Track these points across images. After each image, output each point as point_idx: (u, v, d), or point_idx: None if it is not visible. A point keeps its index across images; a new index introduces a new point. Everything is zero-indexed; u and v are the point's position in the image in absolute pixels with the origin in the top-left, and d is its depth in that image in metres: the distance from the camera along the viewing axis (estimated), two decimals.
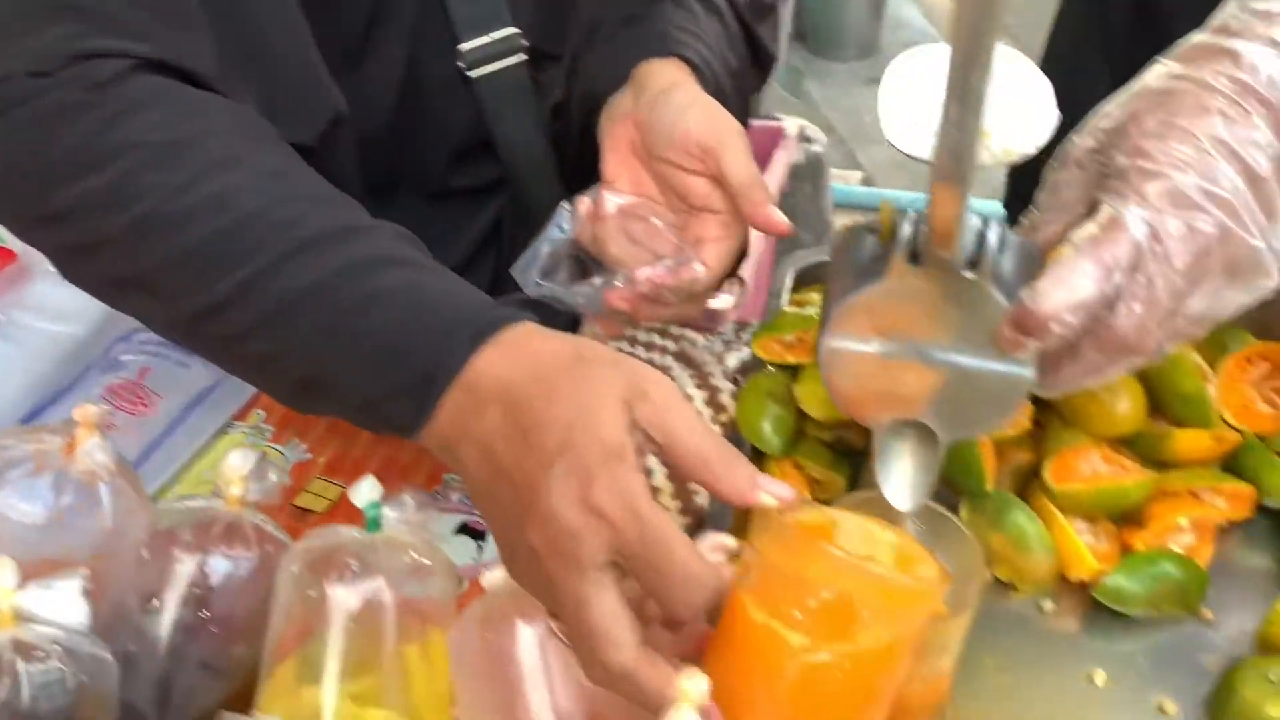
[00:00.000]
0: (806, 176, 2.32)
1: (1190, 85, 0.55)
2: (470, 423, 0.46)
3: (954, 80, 0.44)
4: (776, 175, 2.09)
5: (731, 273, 0.71)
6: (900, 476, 0.58)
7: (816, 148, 2.32)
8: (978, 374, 0.55)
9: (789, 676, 0.44)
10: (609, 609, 0.43)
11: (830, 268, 0.59)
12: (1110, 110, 0.57)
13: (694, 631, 0.46)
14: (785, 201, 2.31)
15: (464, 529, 0.73)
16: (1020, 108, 0.58)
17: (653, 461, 0.73)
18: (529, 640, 0.50)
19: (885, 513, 0.59)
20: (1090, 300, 0.52)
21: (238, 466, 0.57)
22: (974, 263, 0.53)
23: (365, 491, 0.55)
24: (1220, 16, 0.57)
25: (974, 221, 0.53)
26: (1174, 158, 0.53)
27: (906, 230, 0.53)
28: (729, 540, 0.52)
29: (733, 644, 0.45)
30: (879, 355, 0.56)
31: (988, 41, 0.42)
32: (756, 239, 2.01)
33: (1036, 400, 0.72)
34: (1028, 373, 0.54)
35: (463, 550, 0.72)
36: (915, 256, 0.53)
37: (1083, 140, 0.58)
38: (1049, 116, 0.58)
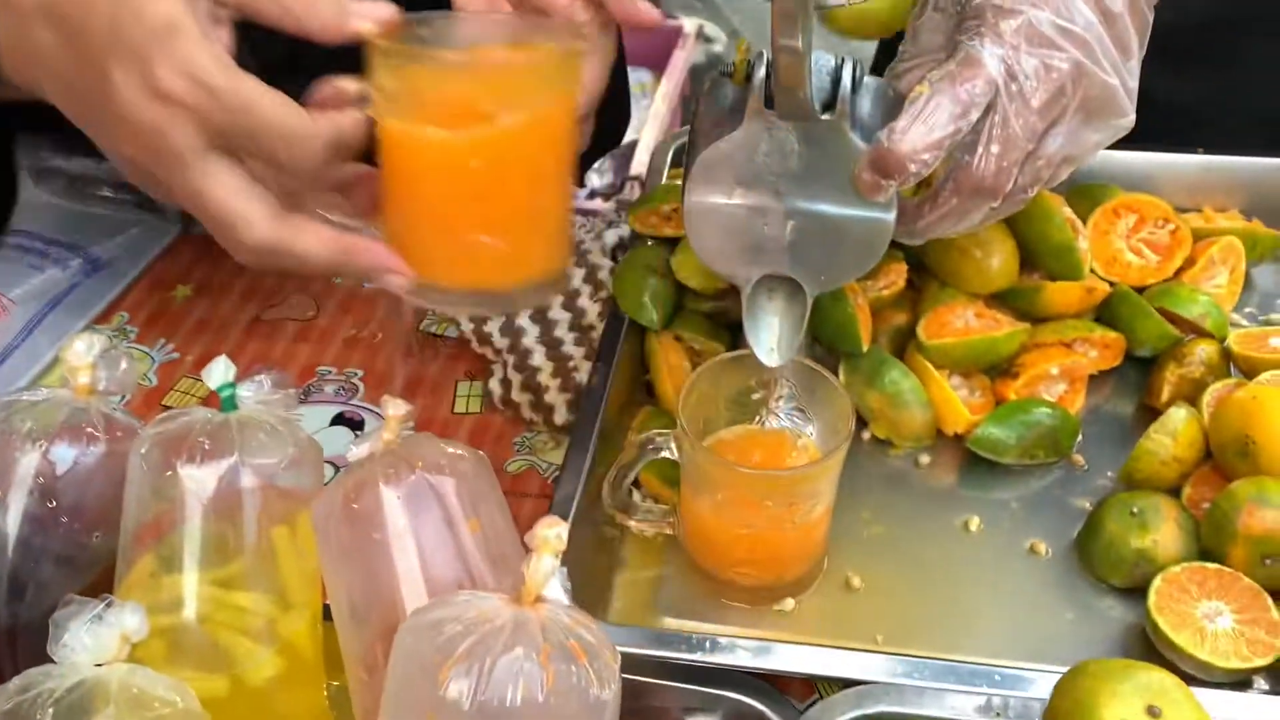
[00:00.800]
0: (706, 76, 2.30)
1: None
2: (28, 49, 0.44)
3: None
4: (676, 75, 2.06)
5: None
6: (769, 333, 0.58)
7: (716, 47, 2.30)
8: (839, 221, 0.54)
9: (445, 168, 0.48)
10: (226, 191, 0.42)
11: (693, 121, 0.57)
12: None
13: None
14: (686, 104, 2.28)
15: (339, 420, 0.72)
16: None
17: (530, 340, 0.72)
18: (393, 504, 0.49)
19: (758, 372, 0.59)
20: (946, 138, 0.51)
21: (81, 353, 0.54)
22: (829, 105, 0.52)
23: (219, 372, 0.53)
24: None
25: (828, 62, 0.52)
26: None
27: (760, 73, 0.52)
28: (349, 84, 0.49)
29: (392, 172, 0.48)
30: (741, 207, 0.55)
31: None
32: (654, 141, 1.96)
33: (913, 263, 0.73)
34: (889, 217, 0.54)
35: (338, 440, 0.70)
36: (772, 101, 0.52)
37: None
38: None
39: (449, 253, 0.51)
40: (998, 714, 0.47)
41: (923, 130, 0.50)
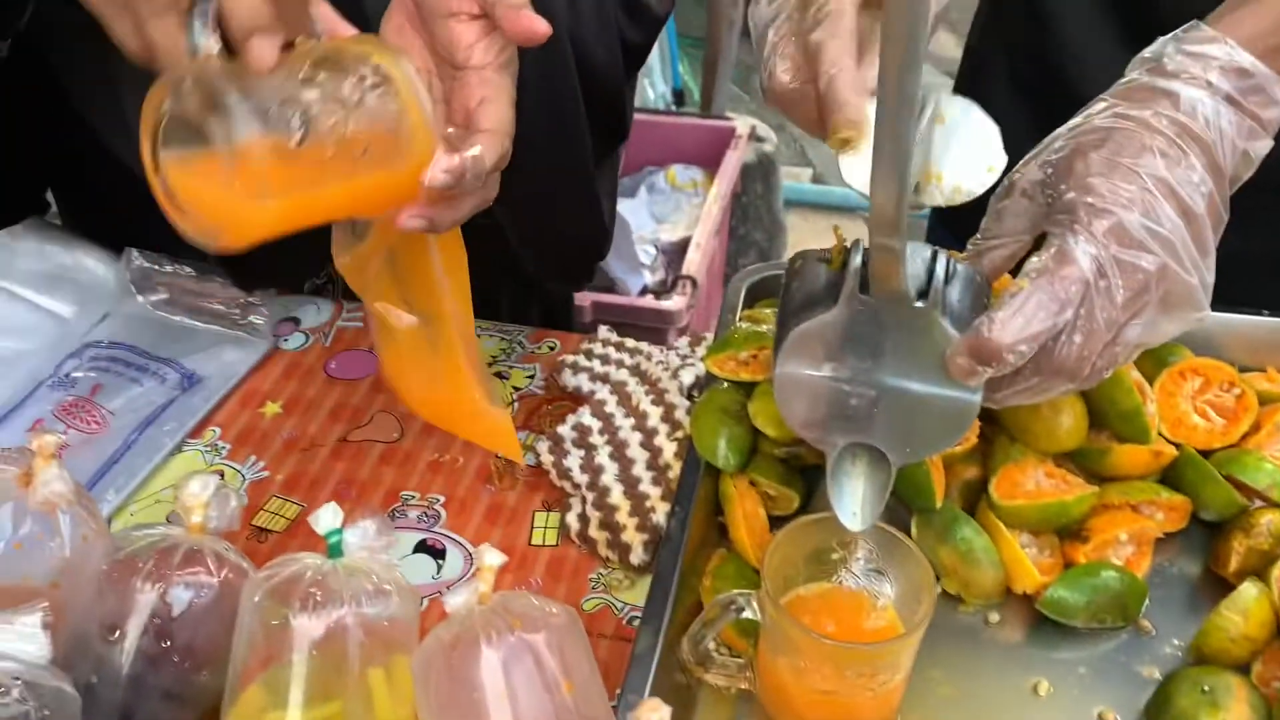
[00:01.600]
0: (757, 175, 2.35)
1: (1133, 125, 0.57)
2: None
3: (882, 128, 0.45)
4: (728, 174, 2.11)
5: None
6: (852, 498, 0.60)
7: (767, 146, 2.35)
8: (927, 399, 0.57)
9: None
10: None
11: (783, 295, 0.60)
12: (1057, 144, 0.59)
13: None
14: (738, 201, 2.33)
15: (421, 546, 0.74)
16: (969, 148, 0.59)
17: (608, 477, 0.74)
18: (492, 663, 0.51)
19: (839, 534, 0.61)
20: (1044, 332, 0.54)
21: (197, 494, 0.57)
22: (923, 293, 0.54)
23: (326, 519, 0.56)
24: (1153, 51, 0.60)
25: (924, 252, 0.54)
26: (1119, 196, 0.55)
27: (857, 261, 0.54)
28: None
29: None
30: (831, 380, 0.58)
31: (912, 85, 0.43)
32: (706, 240, 2.01)
33: (984, 416, 0.74)
34: (976, 398, 0.56)
35: (421, 569, 0.72)
36: (866, 285, 0.55)
37: (1030, 171, 0.60)
38: (998, 158, 0.60)
39: None
40: None
41: (1021, 323, 0.53)
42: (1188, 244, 0.56)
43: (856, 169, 0.56)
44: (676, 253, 2.00)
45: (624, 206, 2.12)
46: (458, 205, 0.61)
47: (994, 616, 0.69)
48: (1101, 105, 0.58)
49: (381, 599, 0.55)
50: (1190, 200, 0.56)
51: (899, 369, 0.56)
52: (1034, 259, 0.56)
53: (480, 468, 0.79)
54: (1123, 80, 0.59)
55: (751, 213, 2.37)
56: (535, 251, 0.90)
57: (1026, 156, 0.61)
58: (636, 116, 2.36)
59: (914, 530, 0.70)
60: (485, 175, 0.59)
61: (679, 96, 2.94)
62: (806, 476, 0.73)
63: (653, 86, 2.77)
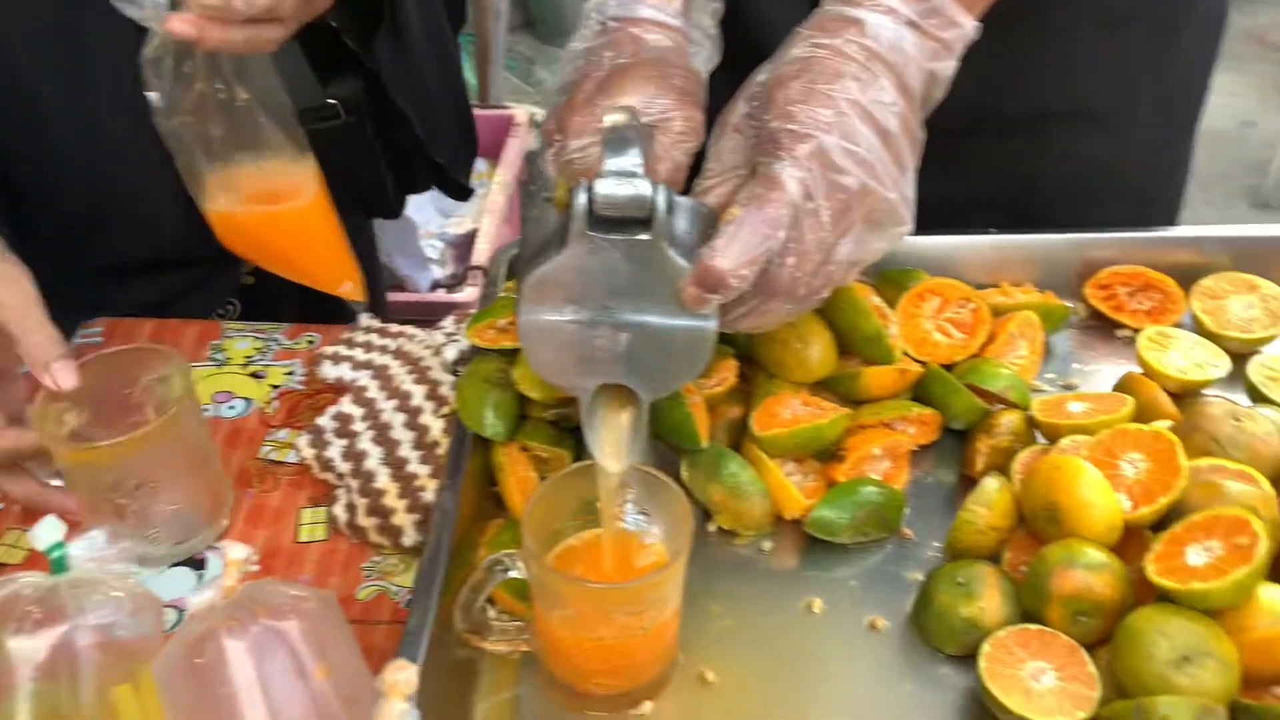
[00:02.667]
0: (533, 206, 2.34)
1: (826, 53, 0.59)
2: None
3: None
4: (511, 162, 2.10)
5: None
6: (609, 440, 0.60)
7: None
8: (667, 332, 0.57)
9: None
10: None
11: (521, 244, 0.60)
12: (760, 78, 0.61)
13: None
14: (526, 189, 2.32)
15: (180, 560, 0.69)
16: None
17: (373, 462, 0.72)
18: (238, 654, 0.49)
19: (599, 477, 0.61)
20: (761, 255, 0.55)
21: None
22: (647, 225, 0.55)
23: (45, 533, 0.51)
24: None
25: (642, 188, 0.55)
26: (818, 120, 0.57)
27: (581, 199, 0.54)
28: None
29: None
30: (573, 323, 0.57)
31: None
32: (495, 229, 2.00)
33: (742, 357, 0.76)
34: (711, 325, 0.57)
35: (181, 582, 0.68)
36: (594, 223, 0.55)
37: (738, 107, 0.62)
38: None
39: None
40: None
41: (739, 249, 0.54)
42: (886, 162, 0.58)
43: None
44: (466, 245, 1.98)
45: (408, 206, 2.08)
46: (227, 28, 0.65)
47: (767, 545, 0.70)
48: (797, 36, 0.61)
49: (115, 610, 0.51)
50: (884, 121, 0.58)
51: (636, 305, 0.57)
52: (747, 188, 0.57)
53: (240, 472, 0.75)
54: (816, 11, 0.62)
55: (540, 199, 2.36)
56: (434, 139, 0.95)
57: (735, 94, 0.62)
58: None
59: (684, 472, 0.71)
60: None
61: None
62: (577, 436, 0.73)
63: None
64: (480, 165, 2.24)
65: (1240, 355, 0.79)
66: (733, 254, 0.54)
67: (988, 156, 0.89)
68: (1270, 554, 0.59)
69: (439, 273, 1.92)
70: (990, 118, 0.87)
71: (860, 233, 0.58)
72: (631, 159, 0.54)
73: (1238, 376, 0.77)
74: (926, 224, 0.86)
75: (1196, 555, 0.59)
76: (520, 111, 2.28)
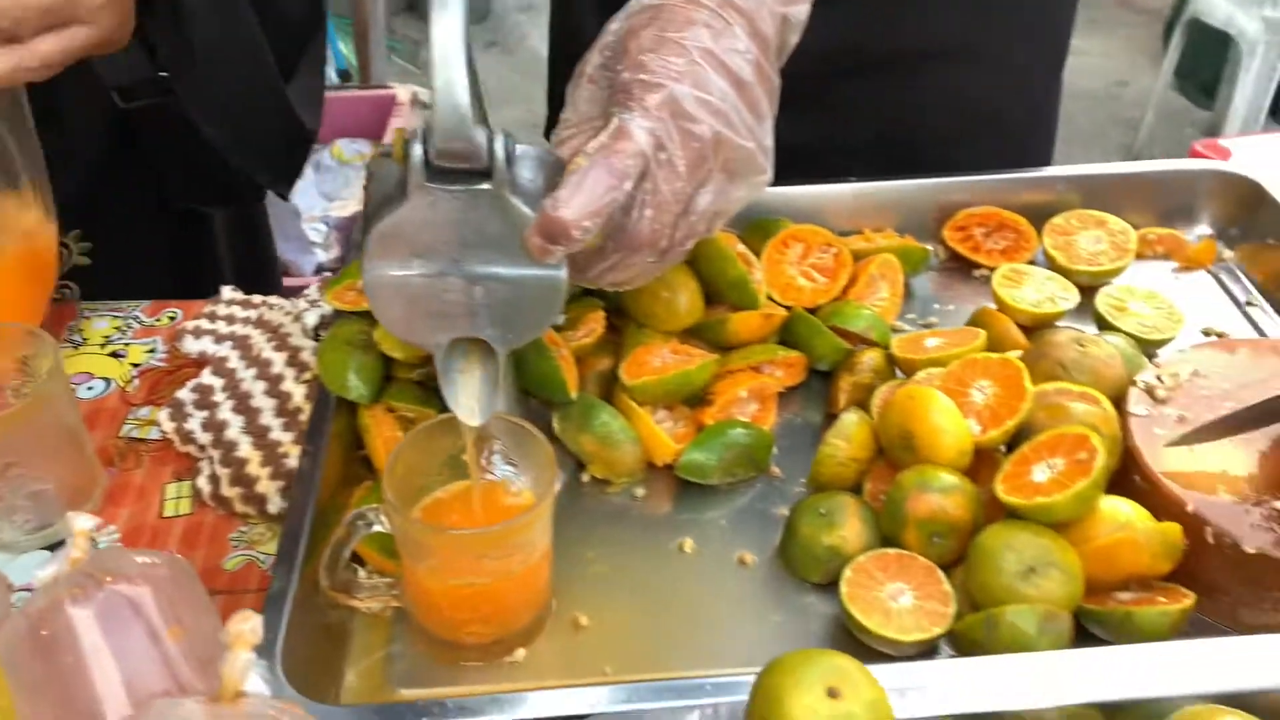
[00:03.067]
0: (371, 159, 2.31)
1: (678, 1, 0.59)
2: None
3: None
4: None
5: None
6: (466, 394, 0.60)
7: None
8: (515, 281, 0.57)
9: None
10: None
11: (365, 200, 0.59)
12: (613, 27, 0.61)
13: None
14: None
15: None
16: None
17: (234, 431, 0.71)
18: (85, 624, 0.47)
19: (462, 430, 0.61)
20: (605, 206, 0.54)
21: None
22: (487, 175, 0.55)
23: None
24: None
25: (480, 136, 0.55)
26: (670, 69, 0.57)
27: (417, 151, 0.54)
28: None
29: None
30: (420, 276, 0.57)
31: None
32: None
33: (612, 309, 0.77)
34: (561, 274, 0.57)
35: (35, 566, 0.66)
36: (433, 175, 0.54)
37: (593, 58, 0.61)
38: None
39: None
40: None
41: (582, 199, 0.54)
42: (740, 111, 0.58)
43: None
44: (349, 228, 1.94)
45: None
46: None
47: (640, 491, 0.71)
48: None
49: None
50: (738, 69, 0.58)
51: (484, 256, 0.57)
52: (596, 138, 0.57)
53: (101, 452, 0.73)
54: None
55: (379, 154, 2.33)
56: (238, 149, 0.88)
57: (591, 44, 0.62)
58: None
59: (555, 424, 0.71)
60: None
61: (344, 76, 2.85)
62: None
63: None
64: (363, 146, 2.20)
65: (1091, 288, 0.83)
66: (576, 204, 0.54)
67: (868, 97, 0.91)
68: (1108, 467, 0.62)
69: (323, 256, 1.88)
70: (869, 58, 0.89)
71: (720, 183, 0.58)
72: (466, 107, 0.54)
73: (1088, 308, 0.81)
74: (809, 166, 0.88)
75: (1041, 472, 0.62)
76: (403, 91, 2.25)
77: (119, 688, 0.48)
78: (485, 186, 0.55)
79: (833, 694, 0.47)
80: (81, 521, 0.51)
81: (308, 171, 2.15)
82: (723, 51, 0.58)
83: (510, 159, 0.55)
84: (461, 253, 0.56)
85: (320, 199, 2.05)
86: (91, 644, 0.47)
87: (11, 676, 0.49)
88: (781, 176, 0.82)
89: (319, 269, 1.83)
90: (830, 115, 0.91)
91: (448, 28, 0.51)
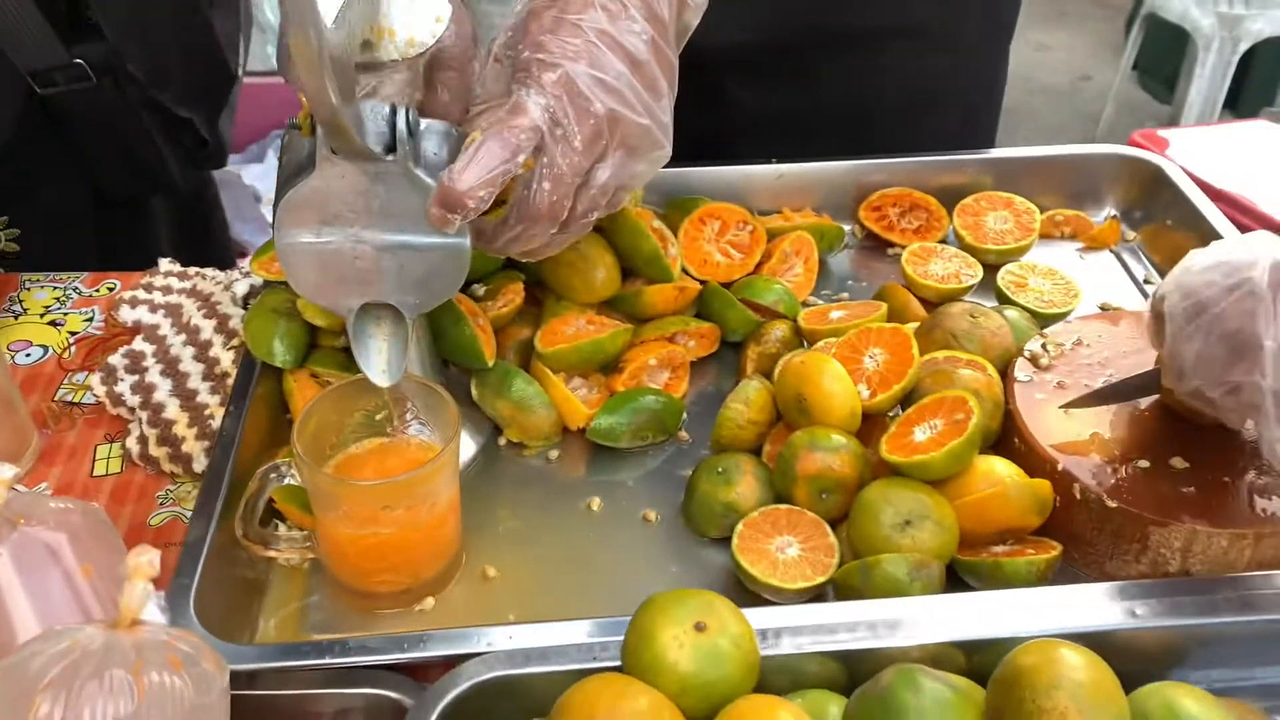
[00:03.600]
0: (285, 131, 2.34)
1: None
2: None
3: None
4: None
5: None
6: (378, 356, 0.63)
7: None
8: (421, 249, 0.60)
9: None
10: None
11: (278, 171, 0.62)
12: (517, 9, 0.64)
13: None
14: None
15: None
16: (415, 2, 0.63)
17: (163, 394, 0.74)
18: (1, 551, 0.50)
19: (378, 393, 0.64)
20: (499, 176, 0.57)
21: None
22: (391, 147, 0.58)
23: None
24: None
25: (382, 109, 0.58)
26: (566, 49, 0.60)
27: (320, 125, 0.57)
28: None
29: None
30: (330, 244, 0.60)
31: None
32: None
33: (533, 281, 0.80)
34: (465, 242, 0.60)
35: None
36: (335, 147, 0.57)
37: (500, 37, 0.64)
38: (444, 8, 0.64)
39: None
40: (595, 657, 0.54)
41: (477, 171, 0.56)
42: (637, 89, 0.61)
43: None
44: None
45: (252, 173, 2.05)
46: None
47: (554, 454, 0.75)
48: None
49: None
50: (634, 49, 0.61)
51: (391, 224, 0.60)
52: (493, 113, 0.60)
53: (34, 414, 0.76)
54: None
55: (289, 125, 2.35)
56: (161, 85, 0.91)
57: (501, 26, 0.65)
58: (256, 81, 2.27)
59: (474, 390, 0.75)
60: None
61: None
62: None
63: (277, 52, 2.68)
64: None
65: (998, 266, 0.87)
66: (470, 175, 0.56)
67: (829, 73, 0.94)
68: (984, 428, 0.66)
69: None
70: (831, 35, 0.92)
71: (619, 159, 0.61)
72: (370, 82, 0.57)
73: (993, 284, 0.85)
74: (776, 138, 0.92)
75: (922, 433, 0.66)
76: None
77: (33, 622, 0.51)
78: (389, 159, 0.58)
79: (700, 628, 0.51)
80: (1, 471, 0.54)
81: (269, 155, 2.17)
82: (619, 33, 0.61)
83: (413, 132, 0.58)
84: (369, 221, 0.60)
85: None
86: (6, 581, 0.50)
87: None
88: (747, 146, 0.85)
89: None
90: (794, 89, 0.95)
91: (306, 37, 0.49)
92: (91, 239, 0.97)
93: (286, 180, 0.60)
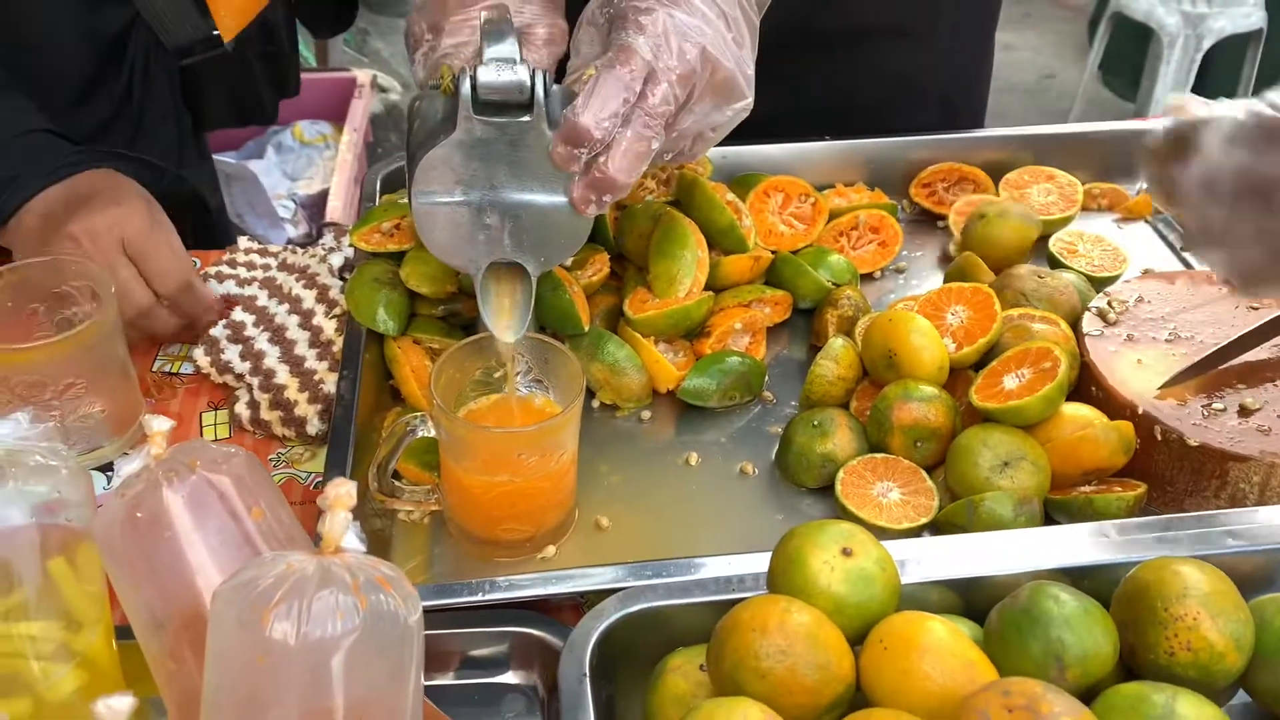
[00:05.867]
0: (389, 125, 2.35)
1: None
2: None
3: None
4: (357, 122, 2.10)
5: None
6: (501, 312, 0.66)
7: (393, 96, 2.35)
8: (548, 209, 0.63)
9: None
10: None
11: (410, 134, 0.64)
12: None
13: None
14: (374, 152, 2.32)
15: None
16: None
17: (272, 360, 0.76)
18: (178, 506, 0.52)
19: (498, 350, 0.67)
20: (619, 107, 0.60)
21: None
22: (528, 108, 0.61)
23: None
24: None
25: (521, 73, 0.61)
26: None
27: (465, 86, 0.60)
28: None
29: None
30: (464, 204, 0.63)
31: None
32: (345, 188, 1.99)
33: (613, 254, 0.83)
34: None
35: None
36: (480, 108, 0.60)
37: (592, 4, 0.67)
38: None
39: None
40: (734, 588, 0.57)
41: (598, 104, 0.59)
42: (725, 37, 0.64)
43: None
44: (317, 205, 1.97)
45: (254, 169, 2.05)
46: None
47: (646, 414, 0.78)
48: None
49: (47, 480, 0.54)
50: (722, 1, 0.65)
51: (522, 184, 0.63)
52: (604, 58, 0.62)
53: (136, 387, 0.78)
54: None
55: (427, 88, 2.36)
56: None
57: None
58: None
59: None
60: None
61: None
62: (466, 330, 0.78)
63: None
64: (326, 128, 2.23)
65: (1044, 236, 0.91)
66: (594, 109, 0.59)
67: (813, 72, 0.98)
68: (1069, 375, 0.70)
69: (293, 232, 1.91)
70: (816, 35, 0.96)
71: (707, 104, 0.64)
72: (509, 47, 0.60)
73: (1043, 252, 0.89)
74: (760, 136, 0.96)
75: (1011, 381, 0.70)
76: (362, 74, 2.28)
77: (210, 564, 0.53)
78: (526, 119, 0.61)
79: (846, 553, 0.54)
80: (159, 423, 0.56)
81: (269, 152, 2.18)
82: None
83: (548, 93, 0.61)
84: (501, 180, 0.62)
85: (284, 179, 2.08)
86: (183, 524, 0.52)
87: (109, 555, 0.54)
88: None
89: (288, 243, 1.86)
90: (780, 88, 0.99)
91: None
92: None
93: (421, 142, 0.63)
